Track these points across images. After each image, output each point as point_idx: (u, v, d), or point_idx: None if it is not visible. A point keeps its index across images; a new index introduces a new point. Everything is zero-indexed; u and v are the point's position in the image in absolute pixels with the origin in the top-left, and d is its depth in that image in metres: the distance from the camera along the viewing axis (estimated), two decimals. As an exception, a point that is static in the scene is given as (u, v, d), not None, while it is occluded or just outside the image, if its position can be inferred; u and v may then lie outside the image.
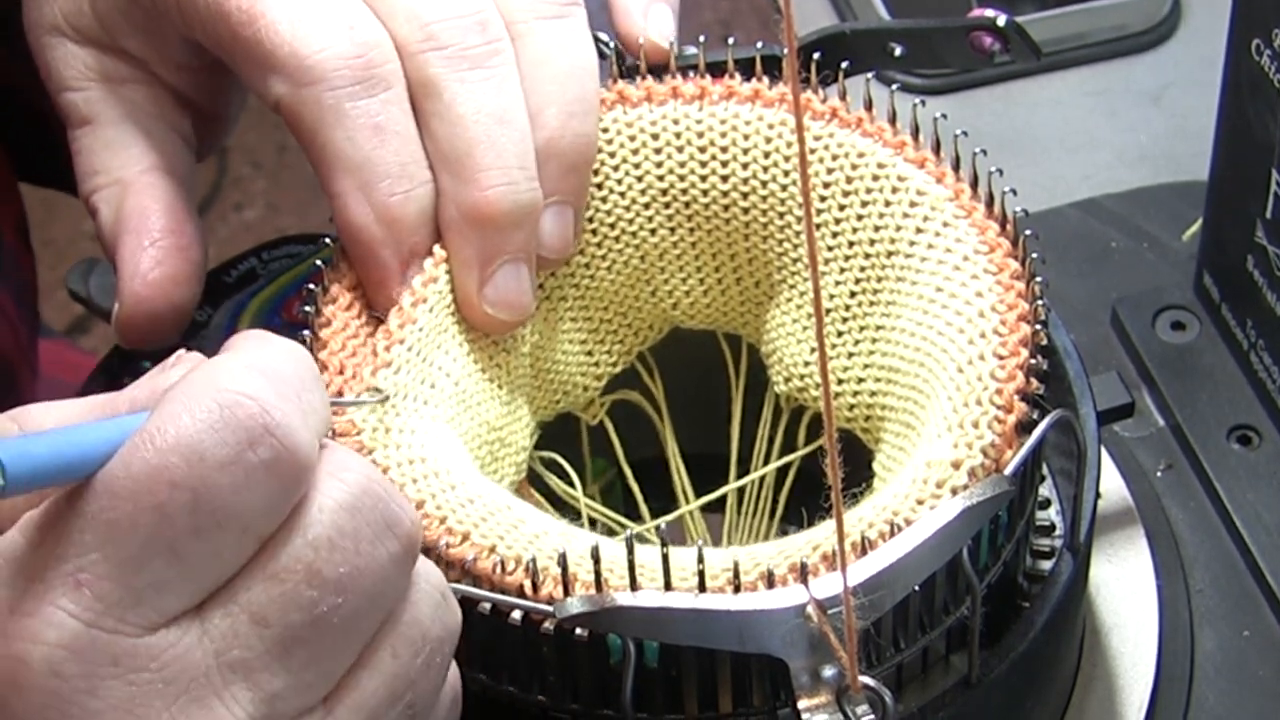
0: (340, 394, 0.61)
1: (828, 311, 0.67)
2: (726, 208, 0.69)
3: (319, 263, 0.64)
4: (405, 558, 0.53)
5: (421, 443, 0.61)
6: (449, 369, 0.64)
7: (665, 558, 0.56)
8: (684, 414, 0.73)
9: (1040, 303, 0.62)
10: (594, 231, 0.69)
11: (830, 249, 0.67)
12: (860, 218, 0.66)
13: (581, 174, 0.66)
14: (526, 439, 0.68)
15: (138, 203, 0.66)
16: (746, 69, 0.69)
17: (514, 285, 0.64)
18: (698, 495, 0.72)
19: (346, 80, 0.61)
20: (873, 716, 0.56)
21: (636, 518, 0.73)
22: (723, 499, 0.72)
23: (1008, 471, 0.59)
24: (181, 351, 0.54)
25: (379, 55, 0.62)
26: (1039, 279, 0.63)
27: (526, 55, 0.64)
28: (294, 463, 0.50)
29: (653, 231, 0.69)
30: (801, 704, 0.56)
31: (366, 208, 0.62)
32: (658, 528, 0.70)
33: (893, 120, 0.67)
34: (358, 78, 0.62)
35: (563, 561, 0.56)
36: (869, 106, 0.67)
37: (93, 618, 0.48)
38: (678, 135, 0.68)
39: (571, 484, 0.71)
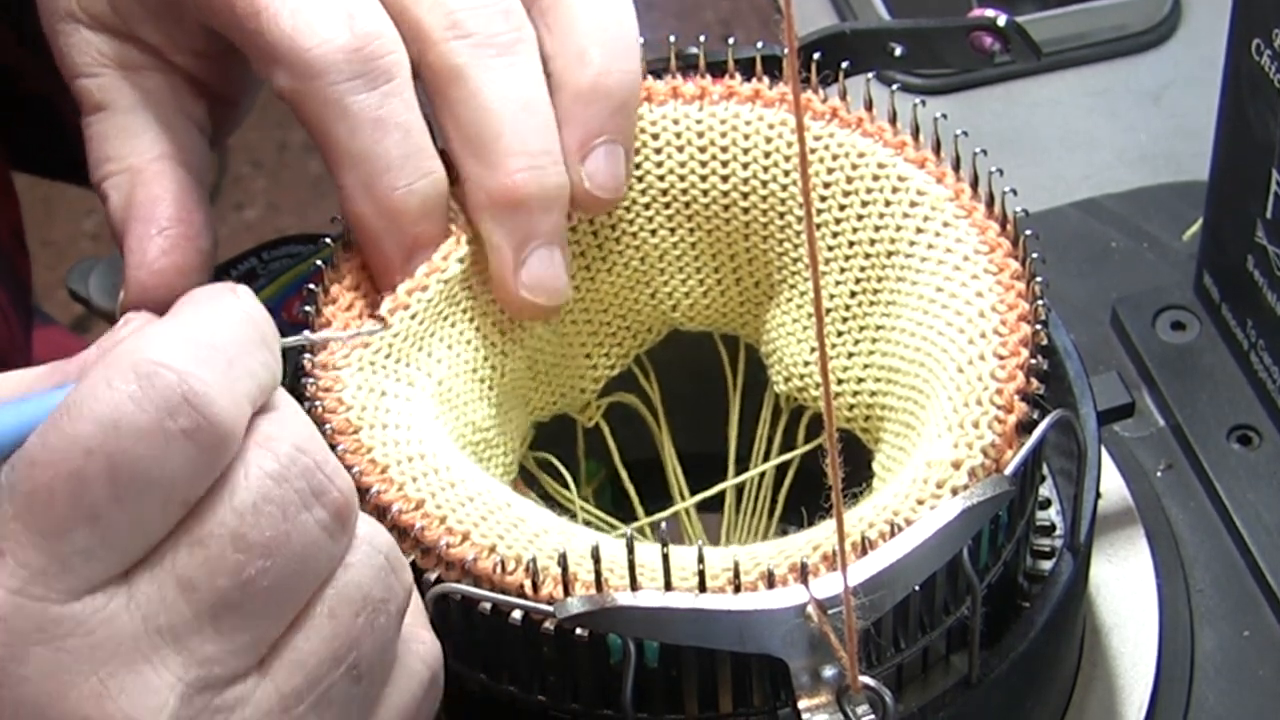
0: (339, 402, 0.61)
1: (828, 311, 0.67)
2: (726, 208, 0.69)
3: (319, 263, 0.64)
4: (335, 525, 0.52)
5: (420, 438, 0.60)
6: (430, 369, 0.64)
7: (665, 557, 0.56)
8: (681, 416, 0.73)
9: (1040, 303, 0.62)
10: (594, 233, 0.69)
11: (830, 249, 0.67)
12: (860, 218, 0.66)
13: (629, 112, 0.66)
14: (517, 441, 0.68)
15: (148, 191, 0.66)
16: (746, 69, 0.69)
17: (548, 268, 0.65)
18: (694, 496, 0.72)
19: (346, 74, 0.62)
20: (873, 716, 0.56)
21: (631, 519, 0.73)
22: (721, 499, 0.72)
23: (1008, 471, 0.59)
24: (129, 314, 0.54)
25: (380, 47, 0.62)
26: (1039, 279, 0.63)
27: (563, 3, 0.64)
28: (213, 431, 0.50)
29: (653, 232, 0.69)
30: (801, 704, 0.56)
31: (369, 201, 0.62)
32: (656, 527, 0.70)
33: (893, 120, 0.67)
34: (358, 71, 0.62)
35: (563, 561, 0.56)
36: (869, 106, 0.67)
37: (18, 585, 0.48)
38: (677, 135, 0.68)
39: (566, 485, 0.71)
